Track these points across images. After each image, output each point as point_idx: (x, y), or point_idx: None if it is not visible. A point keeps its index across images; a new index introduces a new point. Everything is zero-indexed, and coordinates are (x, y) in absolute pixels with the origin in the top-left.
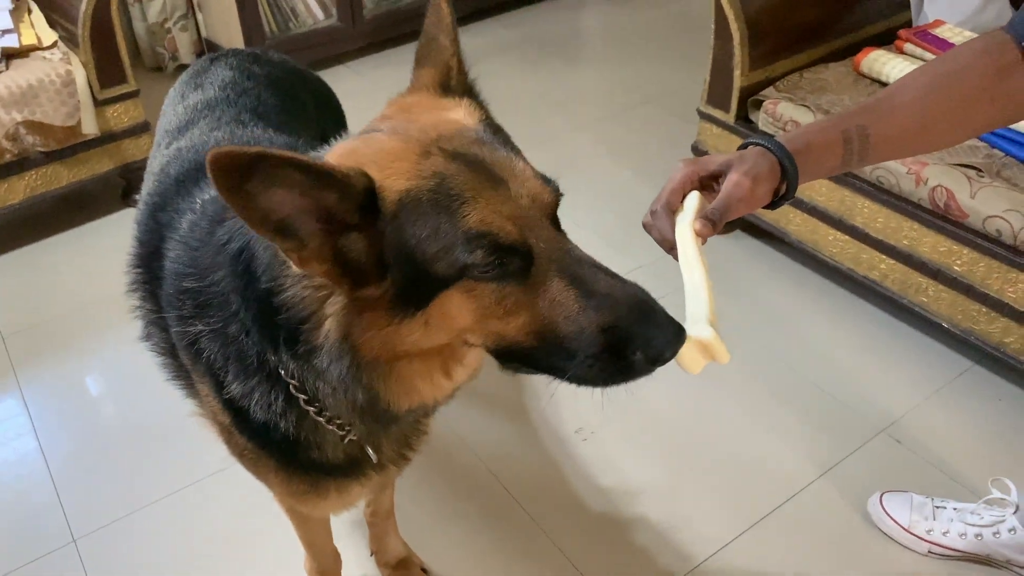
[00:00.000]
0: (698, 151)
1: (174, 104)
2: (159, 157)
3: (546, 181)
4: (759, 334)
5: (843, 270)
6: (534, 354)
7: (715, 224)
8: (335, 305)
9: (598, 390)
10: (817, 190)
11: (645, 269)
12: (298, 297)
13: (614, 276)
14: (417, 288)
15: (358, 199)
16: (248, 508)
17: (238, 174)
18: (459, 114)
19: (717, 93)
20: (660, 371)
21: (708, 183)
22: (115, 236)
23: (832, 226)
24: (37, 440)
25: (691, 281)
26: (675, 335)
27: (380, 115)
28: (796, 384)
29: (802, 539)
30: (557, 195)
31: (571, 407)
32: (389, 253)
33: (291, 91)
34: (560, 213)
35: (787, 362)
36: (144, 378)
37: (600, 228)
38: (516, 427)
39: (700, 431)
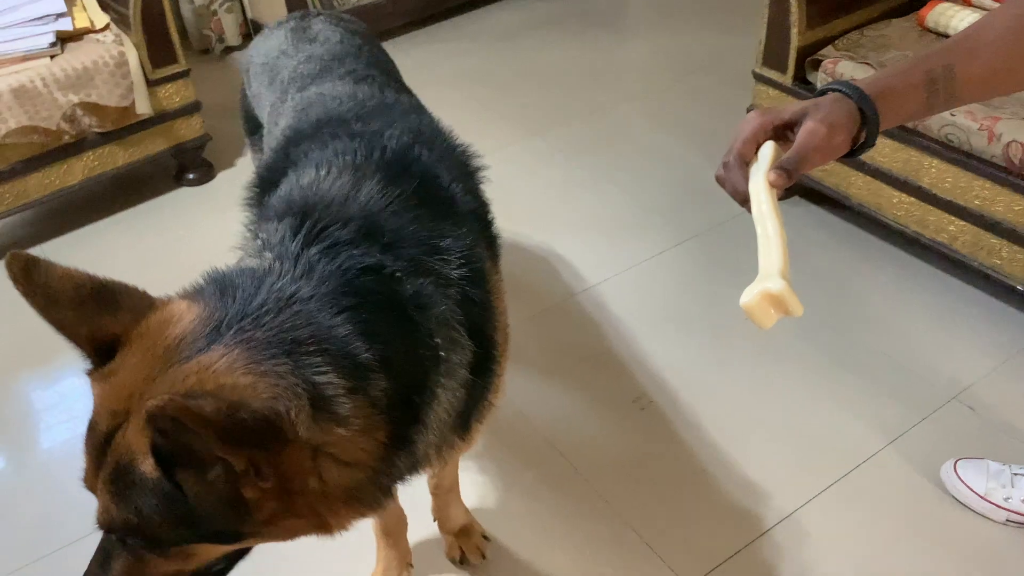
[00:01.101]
0: None
1: (285, 55)
2: (292, 99)
3: (109, 528)
4: (821, 302)
5: (908, 233)
6: None
7: (790, 174)
8: None
9: None
10: (880, 151)
11: (699, 239)
12: None
13: None
14: None
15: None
16: None
17: (14, 279)
18: (138, 446)
19: (773, 54)
20: (720, 340)
21: (782, 133)
22: (169, 216)
23: (896, 188)
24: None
25: (764, 234)
26: None
27: (189, 371)
28: (860, 352)
29: (871, 508)
30: (107, 528)
31: (628, 377)
32: None
33: (379, 51)
34: (609, 181)
35: (851, 330)
36: None
37: (649, 200)
38: (573, 397)
39: (761, 400)
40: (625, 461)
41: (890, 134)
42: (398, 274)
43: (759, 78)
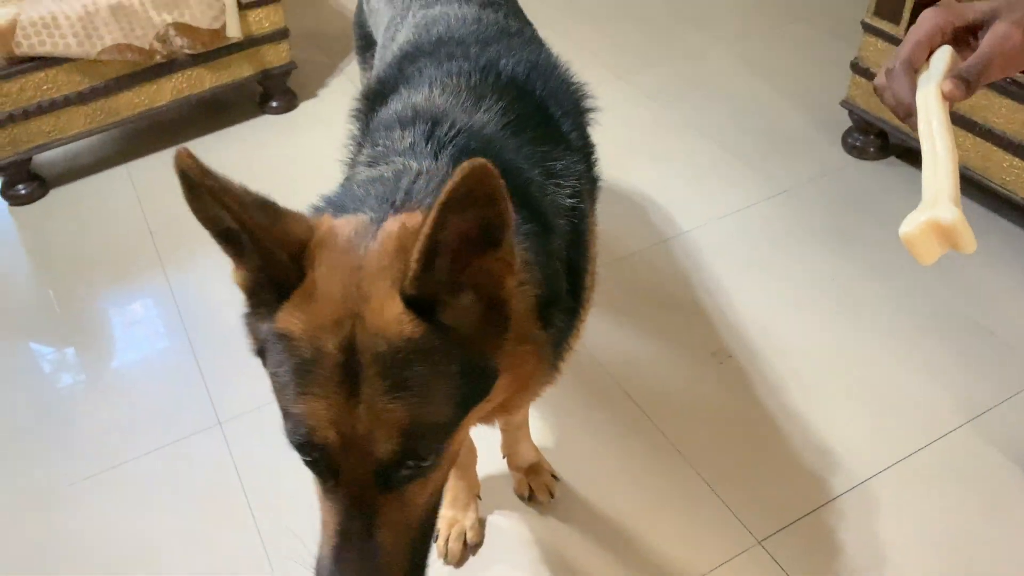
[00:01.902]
0: (859, 69)
1: None
2: (415, 16)
3: (400, 442)
4: (913, 267)
5: (1015, 200)
6: None
7: (969, 85)
8: None
9: None
10: (995, 111)
11: (789, 194)
12: None
13: (370, 571)
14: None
15: (285, 277)
16: None
17: (187, 183)
18: (391, 315)
19: (886, 2)
20: (806, 298)
21: (964, 37)
22: (251, 142)
23: (1009, 151)
24: (185, 329)
25: (931, 152)
26: None
27: (391, 227)
28: (951, 321)
29: (948, 483)
30: (400, 460)
31: (709, 329)
32: (260, 338)
33: None
34: (693, 124)
35: (942, 297)
36: None
37: (738, 149)
38: (649, 344)
39: (841, 363)
40: (699, 412)
41: (1010, 93)
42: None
43: (868, 29)
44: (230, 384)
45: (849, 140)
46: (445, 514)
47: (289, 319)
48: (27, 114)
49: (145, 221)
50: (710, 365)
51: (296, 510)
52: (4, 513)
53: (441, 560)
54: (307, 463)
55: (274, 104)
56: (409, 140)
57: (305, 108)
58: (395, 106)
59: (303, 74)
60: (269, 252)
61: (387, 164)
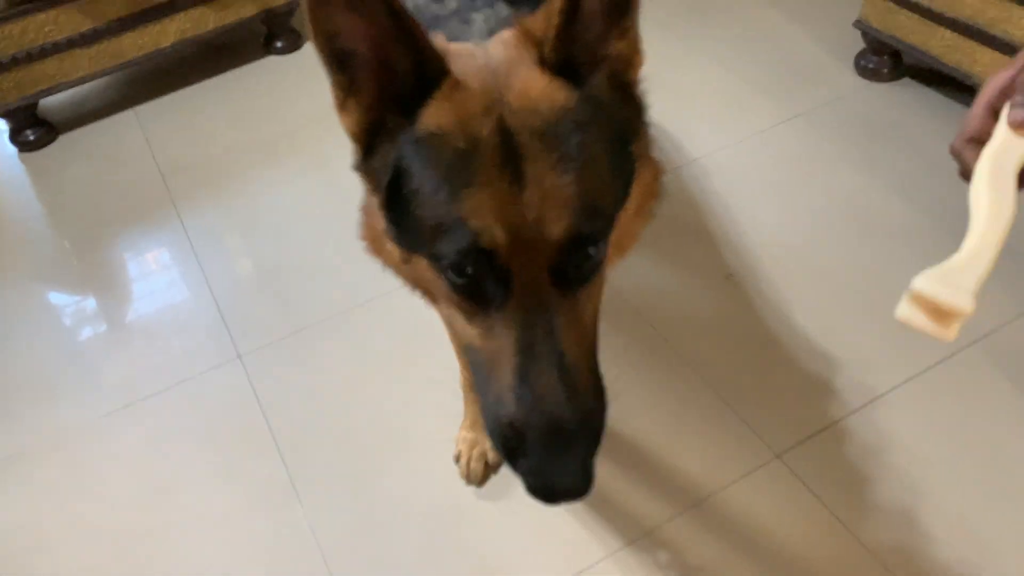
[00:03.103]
0: None
1: None
2: None
3: (574, 217)
4: (931, 185)
5: None
6: (474, 367)
7: None
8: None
9: None
10: (1016, 23)
11: (803, 118)
12: None
13: (569, 382)
14: (402, 224)
15: (422, 80)
16: (406, 332)
17: None
18: (539, 88)
19: None
20: (821, 219)
21: None
22: (257, 84)
23: None
24: (201, 269)
25: (975, 224)
26: (562, 489)
27: (503, 36)
28: None
29: (966, 396)
30: (576, 242)
31: (723, 253)
32: (394, 163)
33: None
34: (703, 51)
35: (961, 214)
36: (295, 215)
37: (749, 75)
38: (665, 270)
39: (858, 280)
40: (715, 333)
41: None
42: None
43: None
44: (248, 319)
45: (862, 62)
46: (466, 436)
47: (438, 114)
48: (31, 57)
49: (156, 164)
50: (725, 287)
51: (318, 437)
52: (31, 449)
53: (463, 480)
54: (466, 288)
55: (279, 44)
56: (452, 5)
57: (310, 48)
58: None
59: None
60: (420, 43)
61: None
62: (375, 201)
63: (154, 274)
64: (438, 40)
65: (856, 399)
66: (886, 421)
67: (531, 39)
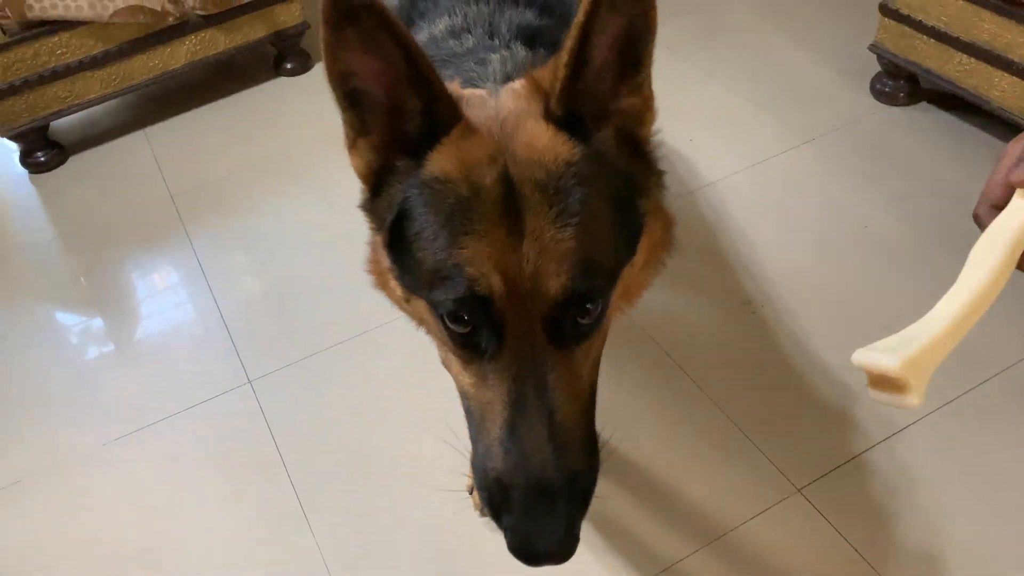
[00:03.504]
0: (888, 11)
1: None
2: None
3: (571, 274)
4: (948, 214)
5: None
6: (467, 413)
7: None
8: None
9: None
10: None
11: (815, 143)
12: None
13: (555, 440)
14: (404, 266)
15: (433, 124)
16: (415, 357)
17: (347, 12)
18: (544, 141)
19: None
20: (835, 247)
21: None
22: (267, 105)
23: None
24: (210, 291)
25: (956, 294)
26: (544, 550)
27: (514, 85)
28: None
29: (988, 430)
30: (571, 300)
31: (738, 279)
32: (398, 204)
33: None
34: (714, 75)
35: (973, 237)
36: (304, 237)
37: (756, 96)
38: (679, 296)
39: (875, 311)
40: (732, 362)
41: None
42: None
43: None
44: (258, 343)
45: (878, 86)
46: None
47: (445, 160)
48: (42, 79)
49: (165, 186)
50: (742, 315)
51: (328, 462)
52: (39, 471)
53: (477, 512)
54: (461, 336)
55: (288, 66)
56: (469, 43)
57: (320, 69)
58: (424, 35)
59: (317, 34)
60: (435, 88)
61: (458, 65)
62: (378, 242)
63: (163, 296)
64: (453, 86)
65: (877, 432)
66: (908, 455)
67: (539, 90)
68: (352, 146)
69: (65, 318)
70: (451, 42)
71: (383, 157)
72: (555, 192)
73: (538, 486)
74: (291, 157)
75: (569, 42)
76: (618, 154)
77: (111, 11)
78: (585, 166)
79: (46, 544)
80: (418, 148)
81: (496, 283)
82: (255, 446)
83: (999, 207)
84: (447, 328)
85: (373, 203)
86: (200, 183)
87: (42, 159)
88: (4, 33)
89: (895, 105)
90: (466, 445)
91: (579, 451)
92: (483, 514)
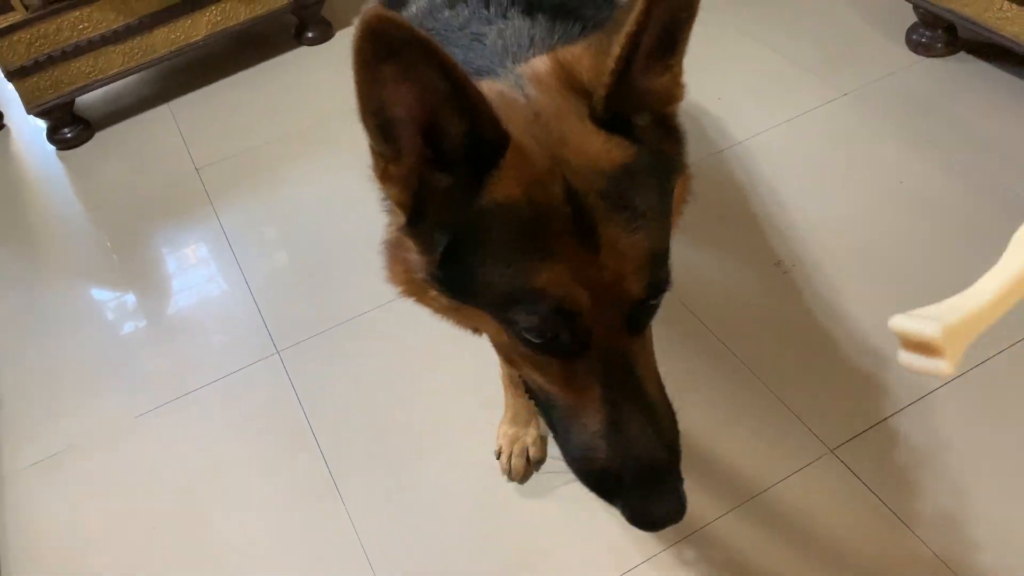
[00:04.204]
0: None
1: None
2: None
3: (649, 272)
4: (986, 165)
5: None
6: (541, 404)
7: None
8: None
9: None
10: None
11: (851, 97)
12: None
13: (654, 420)
14: (461, 283)
15: (478, 147)
16: (442, 326)
17: (385, 49)
18: (598, 147)
19: None
20: (874, 202)
21: None
22: (289, 75)
23: None
24: (238, 264)
25: (1000, 272)
26: (663, 517)
27: (537, 71)
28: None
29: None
30: (650, 293)
31: (770, 239)
32: (453, 230)
33: None
34: (743, 30)
35: (1019, 195)
36: (329, 208)
37: (795, 53)
38: (709, 257)
39: (911, 267)
40: (764, 324)
41: None
42: None
43: None
44: (285, 314)
45: (914, 37)
46: (507, 431)
47: (505, 186)
48: (65, 55)
49: (191, 159)
50: (773, 276)
51: (357, 431)
52: (77, 445)
53: (505, 477)
54: (541, 344)
55: (310, 35)
56: (464, 14)
57: (341, 37)
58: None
59: (338, 2)
60: (480, 108)
61: (464, 37)
62: (420, 260)
63: (192, 269)
64: (485, 88)
65: (908, 394)
66: (938, 418)
67: (574, 85)
68: (383, 175)
69: (98, 293)
70: (447, 13)
71: (419, 179)
72: (619, 197)
73: (650, 468)
74: (315, 127)
75: (618, 49)
76: (654, 137)
77: None
78: (639, 164)
79: (85, 517)
80: (464, 168)
81: (582, 299)
82: (284, 416)
83: None
84: (524, 340)
85: (417, 227)
86: (225, 155)
87: (69, 135)
88: (27, 9)
89: (932, 56)
90: (491, 410)
91: (671, 423)
92: (511, 478)
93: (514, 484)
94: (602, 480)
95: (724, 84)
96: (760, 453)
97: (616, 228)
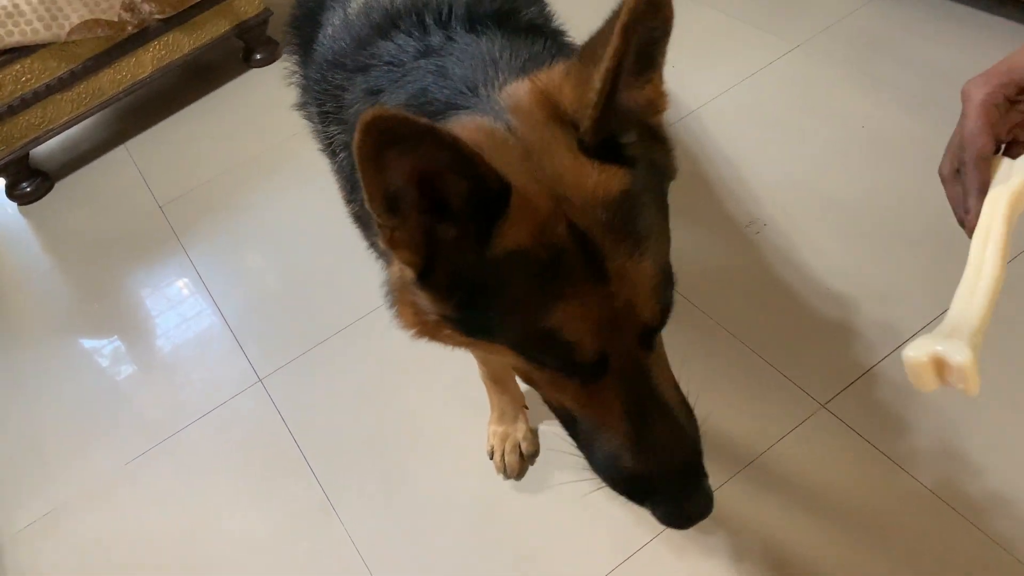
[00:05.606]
0: None
1: None
2: None
3: (659, 296)
4: (946, 99)
5: None
6: (562, 417)
7: None
8: (399, 269)
9: None
10: None
11: (803, 48)
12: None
13: (676, 426)
14: (477, 323)
15: (482, 201)
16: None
17: (388, 138)
18: (594, 179)
19: None
20: (839, 150)
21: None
22: (242, 99)
23: None
24: (211, 297)
25: (976, 271)
26: (695, 514)
27: (519, 101)
28: None
29: (997, 322)
30: (662, 315)
31: (739, 201)
32: (466, 280)
33: None
34: None
35: None
36: (296, 228)
37: (741, 12)
38: (680, 226)
39: (883, 210)
40: (740, 287)
41: None
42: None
43: None
44: (263, 341)
45: None
46: (496, 430)
47: (514, 234)
48: (12, 109)
49: (154, 197)
50: (745, 237)
51: (348, 449)
52: (72, 501)
53: (501, 475)
54: (562, 371)
55: (258, 56)
56: (408, 47)
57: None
58: (341, 29)
59: (281, 19)
60: (481, 168)
61: (418, 69)
62: (432, 306)
63: (166, 309)
64: (464, 125)
65: (895, 338)
66: None
67: (559, 116)
68: (391, 240)
69: (73, 346)
70: (381, 44)
71: (425, 236)
72: (622, 225)
73: (676, 471)
74: (272, 148)
75: (599, 83)
76: (644, 151)
77: (67, 29)
78: (635, 187)
79: (88, 570)
80: (470, 221)
81: (597, 332)
82: (273, 443)
83: (982, 160)
84: (543, 367)
85: (428, 280)
86: (186, 189)
87: (28, 189)
88: None
89: None
90: (478, 411)
91: (692, 423)
92: (507, 476)
93: (511, 481)
94: (631, 485)
95: (673, 52)
96: (754, 416)
97: (623, 258)
